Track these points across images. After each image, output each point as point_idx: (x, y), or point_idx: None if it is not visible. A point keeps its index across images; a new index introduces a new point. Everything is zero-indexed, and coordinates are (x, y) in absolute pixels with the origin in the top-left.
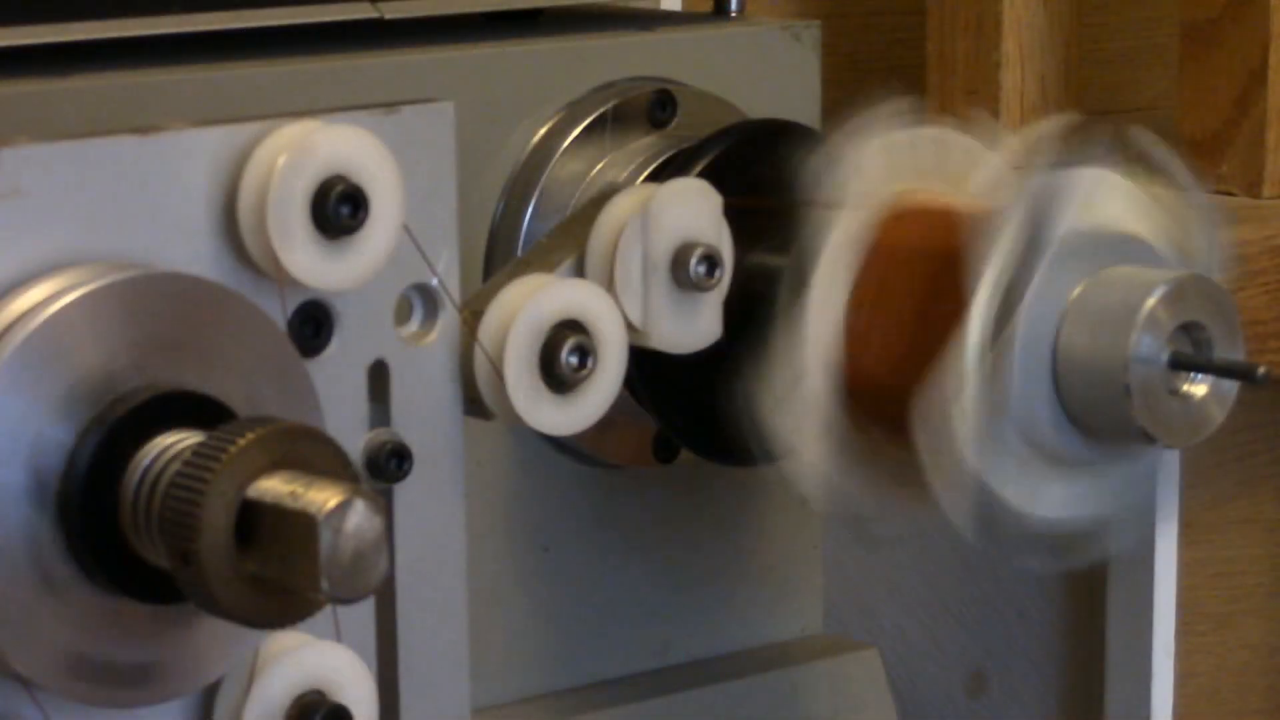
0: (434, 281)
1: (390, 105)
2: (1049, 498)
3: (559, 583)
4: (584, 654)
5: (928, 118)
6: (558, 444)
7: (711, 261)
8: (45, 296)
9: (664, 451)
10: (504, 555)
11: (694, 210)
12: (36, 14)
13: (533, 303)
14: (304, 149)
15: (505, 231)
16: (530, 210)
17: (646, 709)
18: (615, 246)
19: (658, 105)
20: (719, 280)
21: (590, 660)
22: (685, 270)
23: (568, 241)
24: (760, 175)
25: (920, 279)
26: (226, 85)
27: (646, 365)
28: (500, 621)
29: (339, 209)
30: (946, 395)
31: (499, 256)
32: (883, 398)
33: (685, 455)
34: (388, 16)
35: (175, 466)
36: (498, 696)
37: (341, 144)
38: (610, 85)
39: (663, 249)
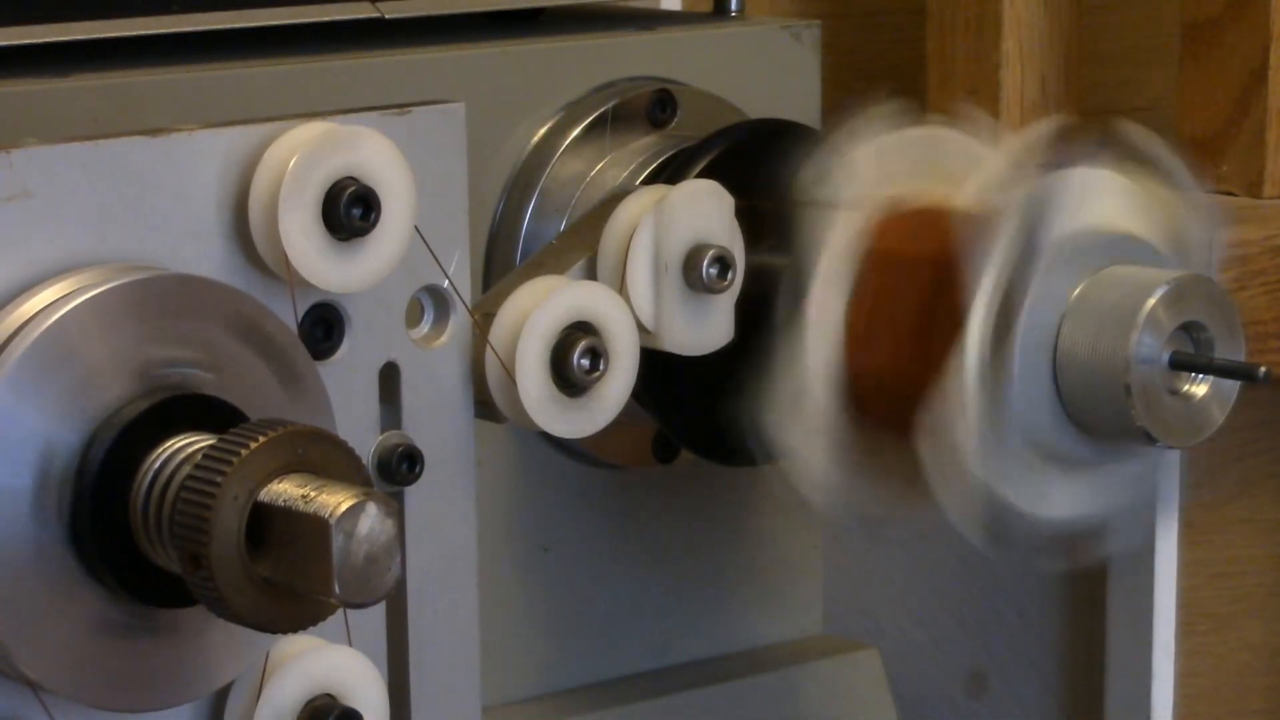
0: (445, 284)
1: (402, 106)
2: (1052, 499)
3: (559, 583)
4: (584, 654)
5: (924, 117)
6: (558, 444)
7: (724, 263)
8: (54, 299)
9: (664, 451)
10: (504, 555)
11: (706, 212)
12: (36, 14)
13: (544, 305)
14: (315, 150)
15: (505, 231)
16: (530, 210)
17: (646, 709)
18: (627, 248)
19: (658, 105)
20: (731, 282)
21: (590, 660)
22: (697, 272)
23: (579, 243)
24: (760, 175)
25: (918, 284)
26: (227, 85)
27: (647, 366)
28: (500, 622)
29: (350, 211)
30: (949, 403)
31: (499, 256)
32: (884, 401)
33: (685, 455)
34: (388, 16)
35: (186, 469)
36: (498, 696)
37: (353, 145)
38: (610, 85)
39: (675, 251)
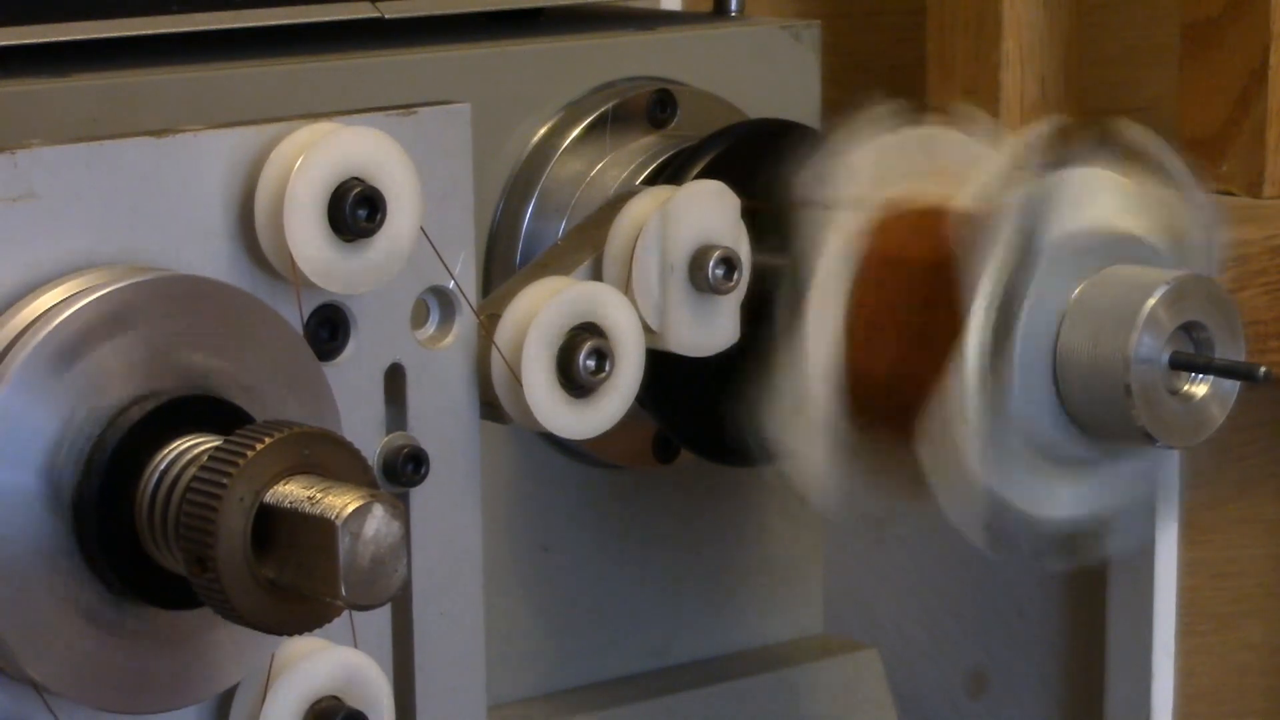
0: (451, 284)
1: (407, 107)
2: (1053, 499)
3: (559, 583)
4: (584, 654)
5: (923, 117)
6: (558, 444)
7: (730, 264)
8: (60, 300)
9: (664, 451)
10: (504, 555)
11: (712, 212)
12: (36, 14)
13: (550, 306)
14: (321, 151)
15: (505, 231)
16: (530, 210)
17: (646, 709)
18: (633, 249)
19: (658, 105)
20: (737, 283)
21: (590, 660)
22: (703, 273)
23: (585, 244)
24: (760, 175)
25: (917, 285)
26: (226, 85)
27: (647, 366)
28: (500, 621)
29: (356, 211)
30: (949, 405)
31: (499, 256)
32: (884, 402)
33: (685, 455)
34: (388, 16)
35: (192, 471)
36: (498, 696)
37: (359, 146)
38: (610, 85)
39: (681, 251)
